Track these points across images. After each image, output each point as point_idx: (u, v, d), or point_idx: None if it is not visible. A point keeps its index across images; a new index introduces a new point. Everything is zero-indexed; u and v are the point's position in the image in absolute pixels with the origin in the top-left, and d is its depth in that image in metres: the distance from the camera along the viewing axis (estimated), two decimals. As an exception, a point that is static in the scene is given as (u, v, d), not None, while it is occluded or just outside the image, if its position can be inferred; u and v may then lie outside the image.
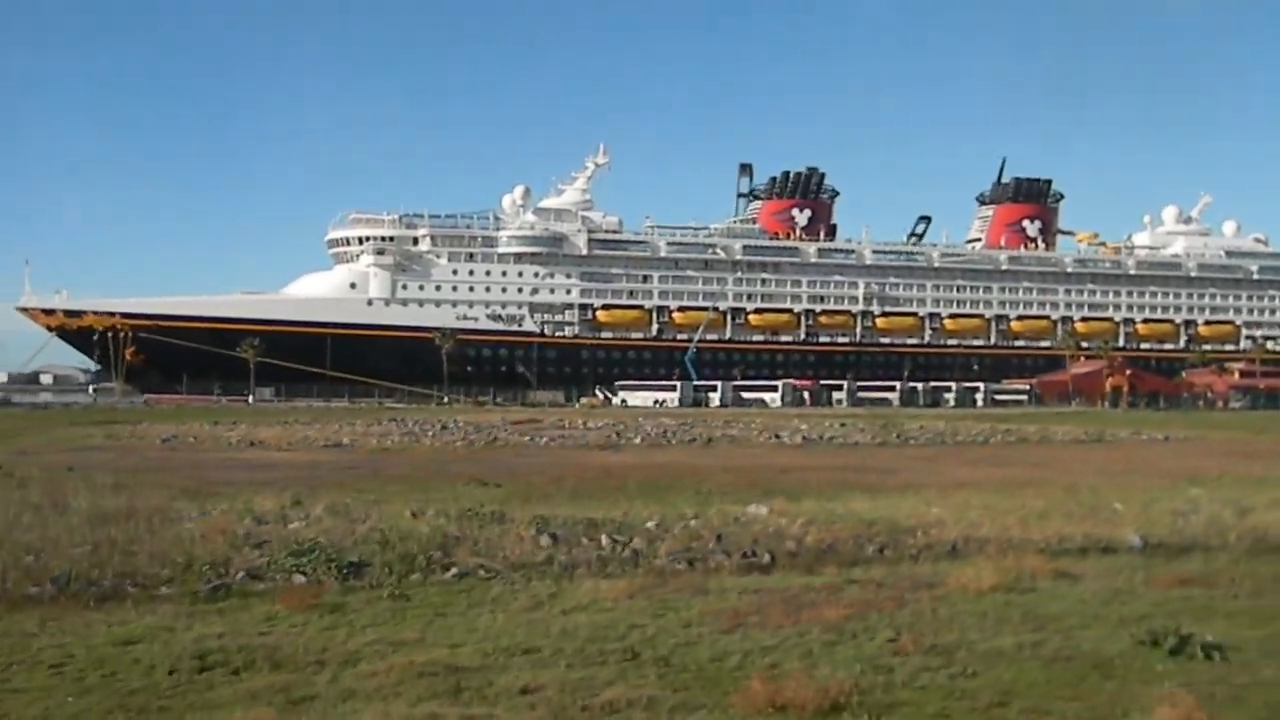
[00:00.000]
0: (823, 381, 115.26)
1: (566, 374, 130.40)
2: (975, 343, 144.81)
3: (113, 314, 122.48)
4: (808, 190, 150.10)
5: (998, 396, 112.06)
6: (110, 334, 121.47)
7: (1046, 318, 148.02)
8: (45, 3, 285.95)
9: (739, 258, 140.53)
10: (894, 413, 78.87)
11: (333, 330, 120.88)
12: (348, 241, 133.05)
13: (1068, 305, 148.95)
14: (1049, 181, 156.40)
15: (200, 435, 41.33)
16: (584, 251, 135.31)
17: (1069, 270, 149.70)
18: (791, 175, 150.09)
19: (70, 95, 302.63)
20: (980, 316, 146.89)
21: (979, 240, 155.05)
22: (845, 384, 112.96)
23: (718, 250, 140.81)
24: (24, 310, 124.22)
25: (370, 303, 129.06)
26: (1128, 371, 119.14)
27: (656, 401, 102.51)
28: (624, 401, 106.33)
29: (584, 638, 9.94)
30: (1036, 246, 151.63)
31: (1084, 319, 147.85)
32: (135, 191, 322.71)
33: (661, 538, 15.24)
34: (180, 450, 36.57)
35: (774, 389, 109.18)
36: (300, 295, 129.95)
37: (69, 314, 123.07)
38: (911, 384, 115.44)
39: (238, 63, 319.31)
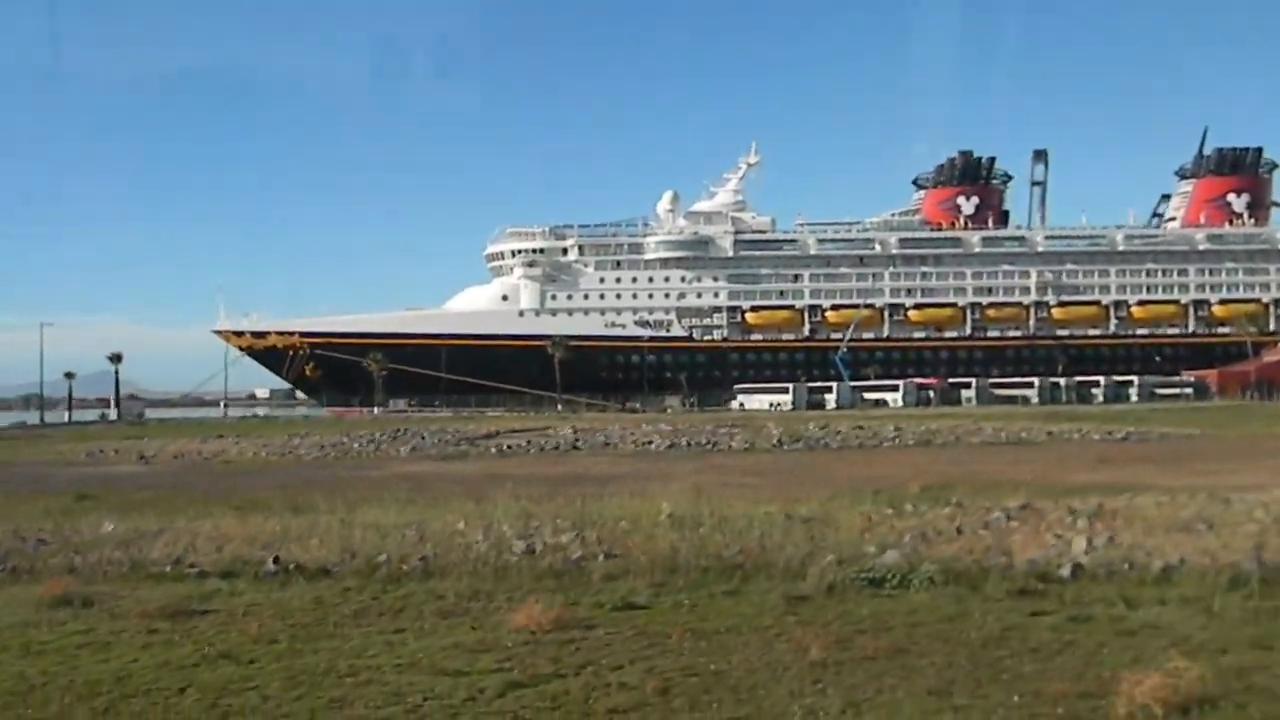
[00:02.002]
0: (951, 380, 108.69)
1: (715, 377, 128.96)
2: (1171, 331, 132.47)
3: (293, 333, 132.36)
4: (976, 176, 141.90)
5: (1159, 391, 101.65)
6: (291, 352, 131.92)
7: (1256, 301, 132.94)
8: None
9: (895, 251, 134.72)
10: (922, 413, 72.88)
11: (474, 342, 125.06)
12: (502, 255, 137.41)
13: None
14: (1259, 150, 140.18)
15: (128, 450, 43.82)
16: (730, 253, 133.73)
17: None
18: (957, 161, 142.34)
19: (250, 140, 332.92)
20: (1175, 302, 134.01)
21: (1175, 220, 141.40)
22: (974, 382, 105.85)
23: (873, 245, 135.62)
24: (218, 333, 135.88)
25: (521, 314, 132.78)
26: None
27: (772, 405, 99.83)
28: (742, 405, 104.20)
29: None
30: (1243, 222, 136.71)
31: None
32: (323, 215, 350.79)
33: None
34: (74, 465, 38.94)
35: (895, 389, 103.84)
36: (457, 310, 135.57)
37: (255, 335, 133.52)
38: (1053, 379, 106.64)
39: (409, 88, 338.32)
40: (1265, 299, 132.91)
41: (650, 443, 40.90)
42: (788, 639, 8.30)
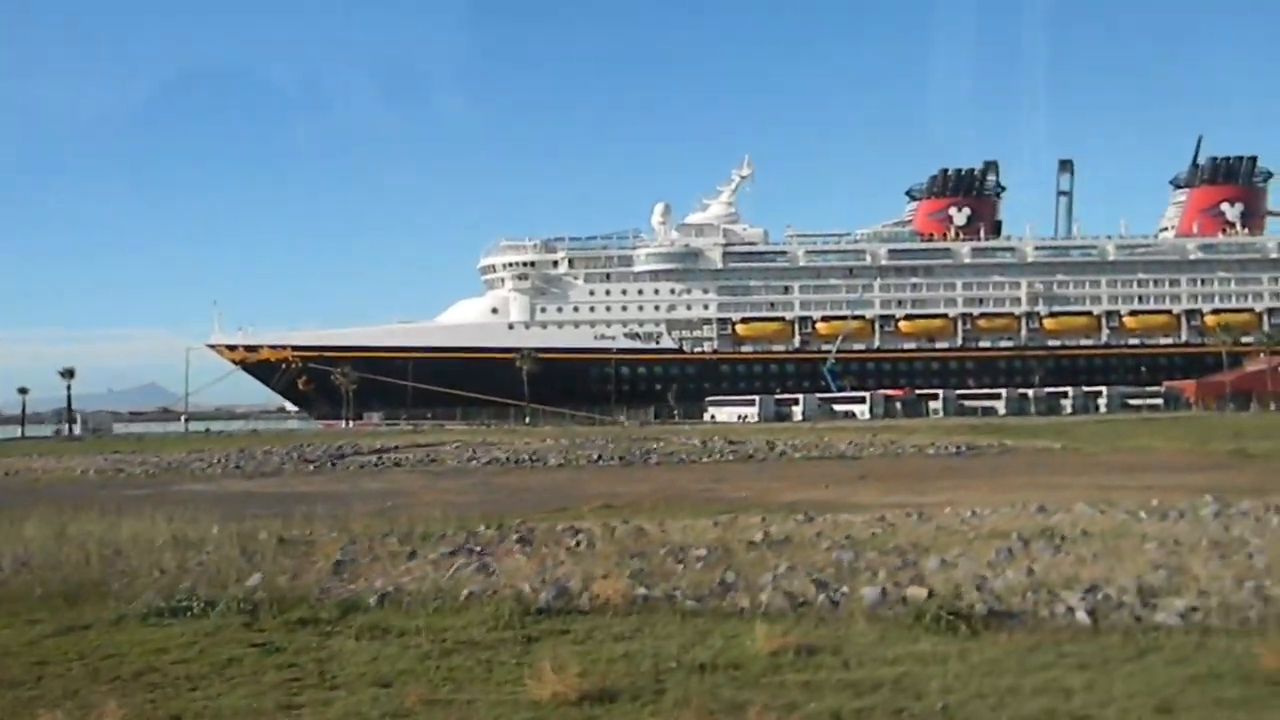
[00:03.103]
0: (919, 391, 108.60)
1: (706, 389, 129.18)
2: (1162, 342, 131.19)
3: (284, 347, 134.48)
4: (970, 188, 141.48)
5: (1130, 401, 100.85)
6: (283, 365, 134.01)
7: (1249, 310, 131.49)
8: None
9: (885, 263, 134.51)
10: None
11: (461, 355, 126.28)
12: (494, 268, 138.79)
13: (1275, 296, 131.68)
14: (1254, 159, 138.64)
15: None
16: (719, 265, 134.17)
17: (1274, 256, 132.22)
18: (950, 172, 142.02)
19: (245, 157, 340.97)
20: (1167, 312, 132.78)
21: (1170, 230, 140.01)
22: (941, 393, 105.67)
23: (863, 256, 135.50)
24: (213, 346, 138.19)
25: (511, 326, 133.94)
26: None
27: (740, 417, 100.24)
28: (713, 418, 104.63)
29: None
30: (1236, 232, 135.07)
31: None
32: (323, 233, 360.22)
33: None
34: None
35: (863, 400, 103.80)
36: (448, 323, 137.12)
37: (248, 349, 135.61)
38: (1021, 390, 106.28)
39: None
40: (1259, 308, 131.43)
41: (473, 459, 42.07)
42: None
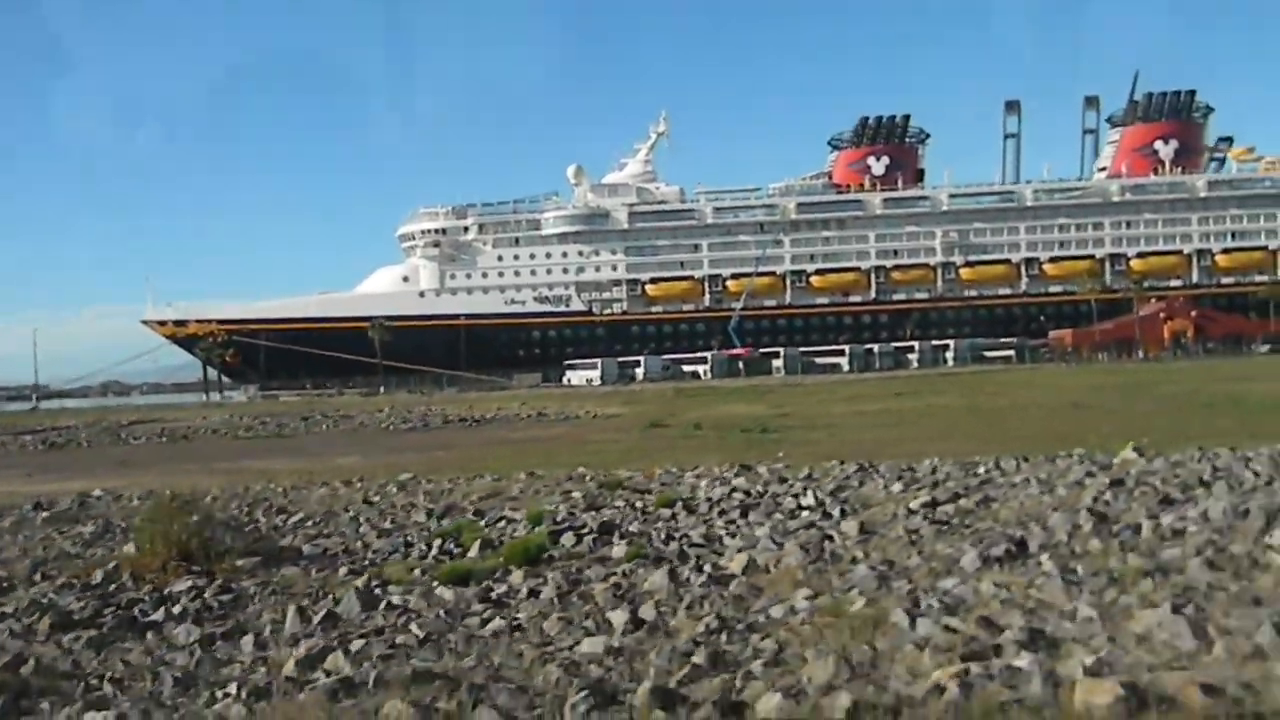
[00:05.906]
0: (762, 350, 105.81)
1: (617, 351, 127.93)
2: (1077, 290, 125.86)
3: (210, 321, 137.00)
4: (891, 135, 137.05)
5: (987, 354, 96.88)
6: (210, 339, 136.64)
7: (1177, 252, 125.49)
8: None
9: (796, 217, 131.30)
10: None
11: (366, 325, 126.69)
12: (413, 236, 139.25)
13: (1203, 236, 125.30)
14: (1191, 93, 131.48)
15: None
16: (626, 225, 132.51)
17: (1202, 195, 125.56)
18: (870, 121, 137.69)
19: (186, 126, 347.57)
20: (1090, 258, 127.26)
21: (1105, 171, 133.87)
22: (783, 351, 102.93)
23: (774, 211, 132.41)
24: (146, 323, 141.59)
25: (422, 294, 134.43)
26: (1193, 313, 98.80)
27: (589, 380, 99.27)
28: (569, 381, 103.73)
29: None
30: (1168, 171, 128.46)
31: (1225, 250, 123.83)
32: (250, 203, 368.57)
33: None
34: None
35: (705, 360, 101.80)
36: (364, 292, 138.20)
37: (177, 324, 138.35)
38: (868, 345, 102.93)
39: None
40: (1187, 250, 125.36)
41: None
42: None
